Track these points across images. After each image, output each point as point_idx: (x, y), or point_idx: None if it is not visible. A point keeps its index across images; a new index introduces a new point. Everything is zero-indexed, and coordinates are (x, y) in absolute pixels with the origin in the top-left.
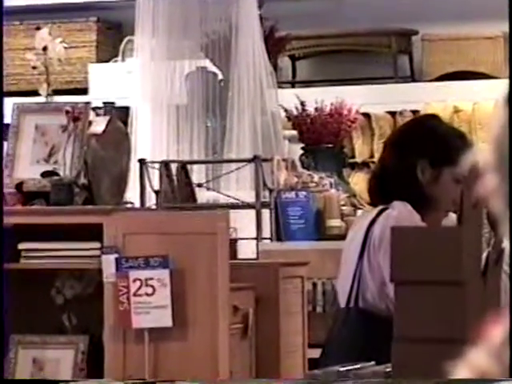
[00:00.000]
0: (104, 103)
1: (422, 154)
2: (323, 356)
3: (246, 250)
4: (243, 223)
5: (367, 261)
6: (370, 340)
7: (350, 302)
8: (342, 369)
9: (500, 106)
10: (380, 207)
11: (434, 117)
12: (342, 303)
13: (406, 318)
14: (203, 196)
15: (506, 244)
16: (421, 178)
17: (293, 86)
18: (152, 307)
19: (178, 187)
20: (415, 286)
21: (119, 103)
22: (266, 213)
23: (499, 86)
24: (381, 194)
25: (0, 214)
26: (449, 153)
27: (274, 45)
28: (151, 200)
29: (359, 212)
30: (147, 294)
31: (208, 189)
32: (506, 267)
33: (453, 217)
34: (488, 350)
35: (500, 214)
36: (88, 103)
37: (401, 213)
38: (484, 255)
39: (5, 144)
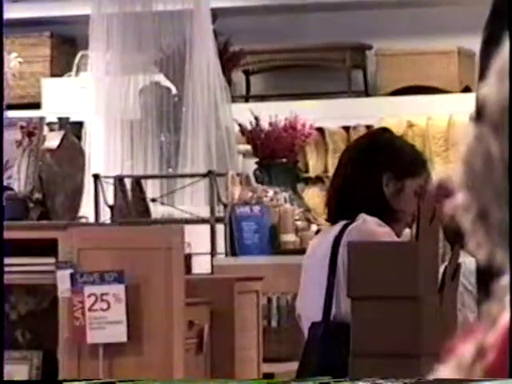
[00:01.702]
0: (58, 118)
1: (386, 167)
2: (303, 370)
3: (201, 265)
4: (198, 238)
5: (341, 276)
6: (347, 352)
7: (327, 316)
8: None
9: (469, 124)
10: (343, 222)
11: (387, 130)
12: (314, 317)
13: (362, 333)
14: (158, 211)
15: (462, 259)
16: (386, 191)
17: (247, 101)
18: (107, 322)
19: (132, 202)
20: (371, 301)
21: (73, 118)
22: (220, 227)
23: (453, 101)
24: (343, 209)
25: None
26: (409, 165)
27: (228, 59)
28: (106, 215)
29: (313, 227)
30: (102, 310)
31: (162, 203)
32: (465, 282)
33: (407, 231)
34: (458, 367)
35: (468, 231)
36: (42, 118)
37: (371, 225)
38: (440, 270)
39: None
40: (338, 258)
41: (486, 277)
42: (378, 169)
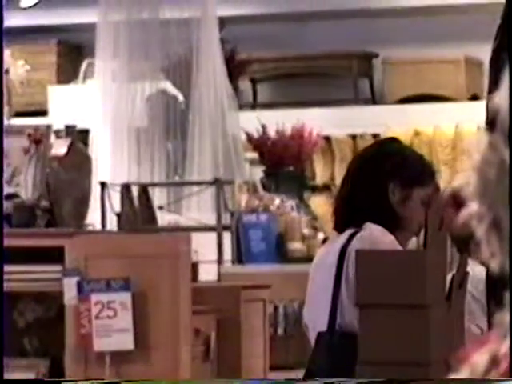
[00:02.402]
0: (65, 126)
1: (392, 175)
2: (308, 379)
3: (208, 273)
4: (204, 246)
5: (346, 286)
6: (352, 362)
7: (332, 326)
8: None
9: (481, 132)
10: (350, 231)
11: (395, 140)
12: (321, 326)
13: (370, 342)
14: (164, 218)
15: (470, 267)
16: (392, 199)
17: (253, 109)
18: (114, 330)
19: (139, 210)
20: (379, 310)
21: (79, 125)
22: (227, 235)
23: (460, 109)
24: (350, 218)
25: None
26: (417, 174)
27: (234, 67)
28: (112, 223)
29: (320, 235)
30: (109, 317)
31: (169, 211)
32: (474, 291)
33: (413, 240)
34: (471, 376)
35: (482, 240)
36: (49, 126)
37: (376, 234)
38: (448, 278)
39: None
40: (344, 267)
41: (498, 286)
42: (385, 177)
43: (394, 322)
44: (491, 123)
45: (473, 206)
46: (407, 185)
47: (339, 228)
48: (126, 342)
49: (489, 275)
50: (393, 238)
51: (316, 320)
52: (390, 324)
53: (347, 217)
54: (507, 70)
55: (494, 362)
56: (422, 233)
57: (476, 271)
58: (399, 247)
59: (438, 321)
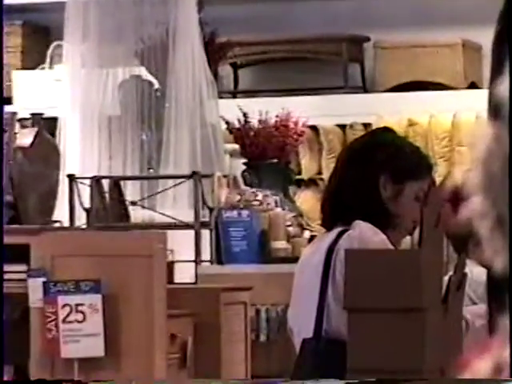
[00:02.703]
0: (31, 114)
1: (383, 168)
2: None
3: (184, 274)
4: (181, 245)
5: (332, 288)
6: (340, 370)
7: (318, 332)
8: None
9: (483, 123)
10: (339, 229)
11: (389, 130)
12: (306, 332)
13: (360, 349)
14: (137, 215)
15: (469, 269)
16: (383, 195)
17: (235, 97)
18: (82, 335)
19: (110, 205)
20: (370, 314)
21: (47, 114)
22: (205, 233)
23: (458, 98)
24: (338, 214)
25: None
26: (410, 167)
27: (214, 52)
28: (81, 219)
29: (306, 233)
30: (77, 321)
31: (143, 207)
32: (472, 294)
33: (407, 239)
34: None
35: (485, 237)
36: (14, 113)
37: (365, 233)
38: (445, 280)
39: None
40: (331, 267)
41: (500, 289)
42: (375, 169)
43: (386, 327)
44: (494, 113)
45: (475, 202)
46: (400, 179)
47: (327, 225)
48: (96, 347)
49: (490, 276)
50: (384, 236)
51: (301, 325)
52: (382, 329)
53: (335, 213)
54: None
55: (497, 369)
56: (417, 231)
57: (475, 273)
58: (390, 247)
59: (434, 326)
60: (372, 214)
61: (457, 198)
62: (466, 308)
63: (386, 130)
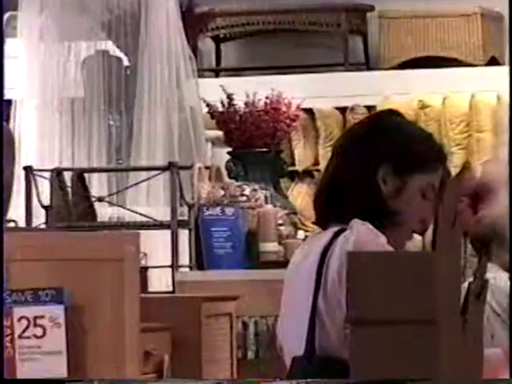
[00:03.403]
0: None
1: (384, 158)
2: None
3: (160, 282)
4: (156, 247)
5: (323, 298)
6: None
7: (309, 349)
8: None
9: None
10: (335, 228)
11: (395, 113)
12: (297, 350)
13: (364, 367)
14: (105, 213)
15: (492, 275)
16: (382, 188)
17: (217, 75)
18: (42, 353)
19: (73, 202)
20: (376, 327)
21: None
22: (184, 234)
23: (476, 76)
24: (332, 212)
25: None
26: (417, 158)
27: (193, 23)
28: (40, 218)
29: (301, 233)
30: (36, 337)
31: (111, 204)
32: (494, 303)
33: (418, 240)
34: None
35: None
36: None
37: (362, 235)
38: (463, 288)
39: None
40: (325, 273)
41: None
42: (374, 159)
43: (394, 342)
44: None
45: (499, 197)
46: (404, 171)
47: (321, 224)
48: (58, 367)
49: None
50: (384, 241)
51: (291, 341)
52: (390, 344)
53: (330, 210)
54: None
55: None
56: (429, 231)
57: (498, 279)
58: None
59: (451, 340)
60: (370, 211)
61: (476, 192)
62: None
63: (392, 113)
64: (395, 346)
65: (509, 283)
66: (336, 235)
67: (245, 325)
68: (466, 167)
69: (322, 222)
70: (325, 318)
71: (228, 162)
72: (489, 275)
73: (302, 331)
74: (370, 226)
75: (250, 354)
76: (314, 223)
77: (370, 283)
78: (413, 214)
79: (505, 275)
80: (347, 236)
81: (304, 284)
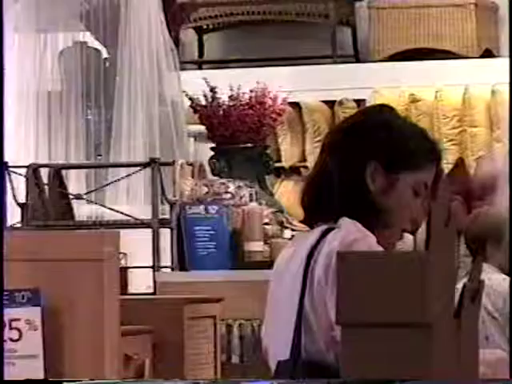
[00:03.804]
0: None
1: (372, 155)
2: None
3: (140, 283)
4: (136, 247)
5: (310, 300)
6: None
7: (295, 353)
8: None
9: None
10: (322, 228)
11: (386, 107)
12: (282, 354)
13: (355, 372)
14: (83, 211)
15: (487, 276)
16: (371, 186)
17: (200, 68)
18: (18, 357)
19: (50, 200)
20: (367, 330)
21: None
22: (165, 233)
23: (470, 68)
24: (319, 210)
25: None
26: (407, 155)
27: (175, 13)
28: (15, 216)
29: (287, 232)
30: (12, 340)
31: (90, 202)
32: (489, 306)
33: (409, 239)
34: None
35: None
36: None
37: (351, 234)
38: (458, 289)
39: None
40: (310, 274)
41: None
42: (362, 156)
43: (385, 345)
44: None
45: (496, 195)
46: (393, 168)
47: (308, 222)
48: (34, 371)
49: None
50: (373, 240)
51: (276, 344)
52: (381, 348)
53: (317, 209)
54: None
55: None
56: (421, 230)
57: (494, 280)
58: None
59: (444, 344)
60: (358, 209)
61: (470, 190)
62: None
63: (383, 107)
64: (387, 350)
65: (504, 285)
66: (323, 234)
67: (229, 327)
68: (459, 164)
69: (309, 220)
70: (311, 319)
71: (211, 158)
72: (485, 276)
73: (288, 334)
74: (359, 225)
75: (235, 358)
76: (301, 222)
77: (361, 284)
78: (403, 212)
79: (500, 276)
80: (335, 235)
81: (290, 285)
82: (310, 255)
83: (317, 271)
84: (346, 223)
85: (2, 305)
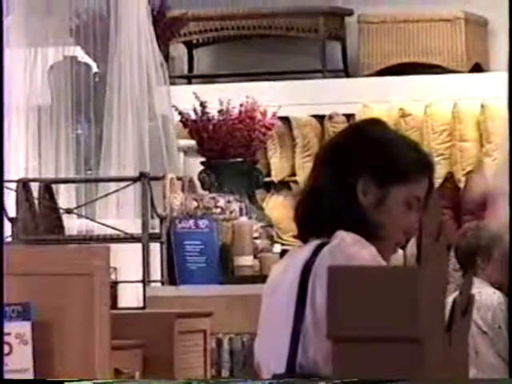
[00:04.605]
0: None
1: (363, 168)
2: None
3: (131, 297)
4: (126, 261)
5: (312, 313)
6: None
7: (292, 366)
8: None
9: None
10: (316, 242)
11: (377, 122)
12: (277, 367)
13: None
14: (73, 225)
15: (477, 290)
16: (362, 201)
17: (190, 82)
18: (8, 371)
19: (40, 214)
20: (359, 345)
21: None
22: (155, 247)
23: (459, 83)
24: (312, 225)
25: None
26: (399, 169)
27: (165, 28)
28: (5, 231)
29: (277, 246)
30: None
31: (80, 216)
32: (479, 321)
33: (399, 254)
34: None
35: (499, 251)
36: None
37: (350, 246)
38: (449, 304)
39: None
40: (309, 288)
41: None
42: (353, 171)
43: (377, 360)
44: None
45: (503, 208)
46: (384, 182)
47: (302, 237)
48: None
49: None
50: (374, 250)
51: (270, 358)
52: (373, 362)
53: (310, 223)
54: None
55: None
56: (411, 244)
57: (483, 295)
58: (382, 262)
59: (435, 358)
60: (350, 224)
61: (460, 204)
62: None
63: (374, 121)
64: (377, 364)
65: (493, 298)
66: (319, 248)
67: (219, 342)
68: (448, 179)
69: (302, 235)
70: (310, 333)
71: (201, 172)
72: (474, 290)
73: (283, 348)
74: (357, 237)
75: (225, 372)
76: (294, 237)
77: (351, 298)
78: (396, 226)
79: (490, 290)
80: (333, 247)
81: (284, 299)
82: (307, 269)
83: (318, 284)
84: (344, 236)
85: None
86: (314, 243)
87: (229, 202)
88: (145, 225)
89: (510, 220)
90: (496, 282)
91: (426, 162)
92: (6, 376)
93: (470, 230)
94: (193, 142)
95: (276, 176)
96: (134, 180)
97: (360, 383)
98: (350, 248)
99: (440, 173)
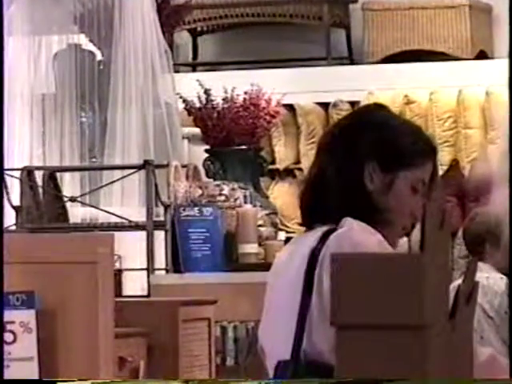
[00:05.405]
0: None
1: (369, 154)
2: None
3: (135, 285)
4: (130, 249)
5: (318, 300)
6: None
7: (297, 353)
8: None
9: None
10: (323, 228)
11: (382, 107)
12: (282, 354)
13: (350, 373)
14: (78, 214)
15: (484, 275)
16: (369, 187)
17: (194, 70)
18: (13, 359)
19: (44, 202)
20: (362, 332)
21: None
22: (159, 235)
23: (464, 70)
24: (318, 212)
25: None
26: (404, 153)
27: (169, 16)
28: (10, 219)
29: (282, 234)
30: (7, 343)
31: (84, 204)
32: (485, 305)
33: (404, 241)
34: None
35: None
36: None
37: (358, 233)
38: (452, 290)
39: None
40: (315, 275)
41: None
42: (359, 156)
43: (380, 347)
44: None
45: (503, 195)
46: (390, 167)
47: (307, 224)
48: (30, 373)
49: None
50: (381, 237)
51: (275, 344)
52: (376, 350)
53: (316, 210)
54: None
55: None
56: (416, 231)
57: (491, 280)
58: (390, 249)
59: (439, 346)
60: (357, 210)
61: (465, 191)
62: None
63: (378, 107)
64: (381, 351)
65: (501, 284)
66: (326, 235)
67: (224, 330)
68: (453, 166)
69: (307, 222)
70: (317, 319)
71: (206, 160)
72: (482, 275)
73: (288, 334)
74: (364, 224)
75: (229, 360)
76: (299, 225)
77: (355, 286)
78: (403, 210)
79: (497, 275)
80: (340, 234)
81: (290, 286)
82: (314, 255)
83: (325, 271)
84: (352, 223)
85: (2, 304)
86: (320, 230)
87: (233, 189)
88: (149, 213)
89: (510, 210)
90: (504, 268)
91: (429, 145)
92: (11, 364)
93: (478, 216)
94: (197, 130)
95: (280, 164)
96: (139, 168)
97: (357, 383)
98: (359, 235)
99: (445, 160)
